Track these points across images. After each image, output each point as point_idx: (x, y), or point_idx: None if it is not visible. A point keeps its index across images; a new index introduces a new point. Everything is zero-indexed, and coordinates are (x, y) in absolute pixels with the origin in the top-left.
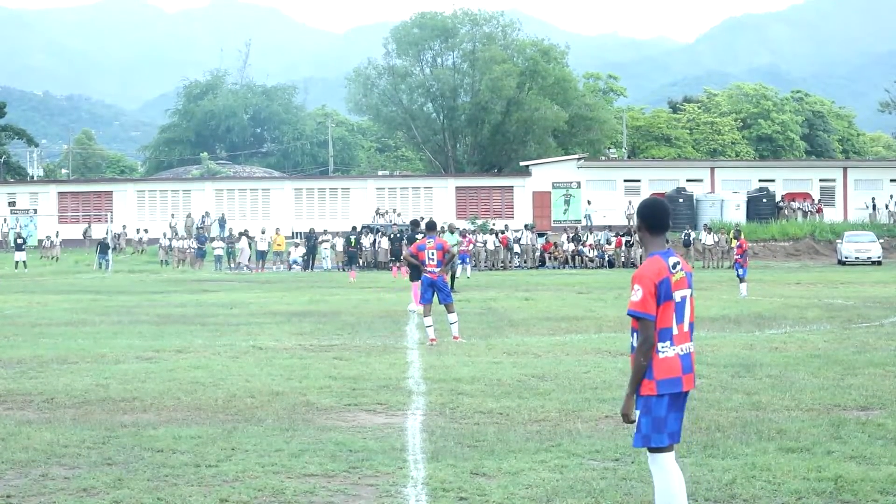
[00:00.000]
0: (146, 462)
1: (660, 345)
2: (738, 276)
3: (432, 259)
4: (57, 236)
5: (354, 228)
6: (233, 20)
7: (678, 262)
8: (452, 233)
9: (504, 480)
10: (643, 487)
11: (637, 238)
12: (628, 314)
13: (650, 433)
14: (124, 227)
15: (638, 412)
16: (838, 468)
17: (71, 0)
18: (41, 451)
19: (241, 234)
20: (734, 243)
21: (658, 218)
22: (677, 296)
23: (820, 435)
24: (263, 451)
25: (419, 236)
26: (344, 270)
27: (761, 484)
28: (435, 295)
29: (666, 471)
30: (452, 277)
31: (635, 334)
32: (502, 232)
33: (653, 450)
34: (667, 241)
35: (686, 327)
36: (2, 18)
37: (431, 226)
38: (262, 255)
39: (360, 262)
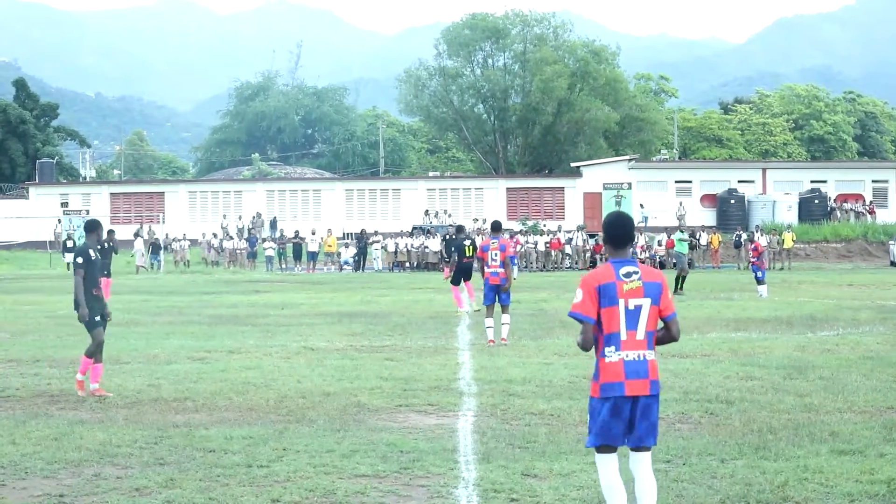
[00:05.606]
0: (198, 462)
1: (606, 349)
2: (756, 278)
3: (495, 260)
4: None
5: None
6: (284, 21)
7: (635, 272)
8: None
9: (555, 482)
10: (695, 489)
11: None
12: (568, 315)
13: (596, 434)
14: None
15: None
16: (891, 471)
17: (122, 2)
18: (94, 450)
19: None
20: (761, 241)
21: (616, 233)
22: (630, 304)
23: (873, 437)
24: (315, 451)
25: (467, 242)
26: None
27: (813, 486)
28: (497, 296)
29: (604, 471)
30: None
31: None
32: (554, 233)
33: (597, 449)
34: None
35: (641, 335)
36: (54, 20)
37: (496, 227)
38: (312, 256)
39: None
